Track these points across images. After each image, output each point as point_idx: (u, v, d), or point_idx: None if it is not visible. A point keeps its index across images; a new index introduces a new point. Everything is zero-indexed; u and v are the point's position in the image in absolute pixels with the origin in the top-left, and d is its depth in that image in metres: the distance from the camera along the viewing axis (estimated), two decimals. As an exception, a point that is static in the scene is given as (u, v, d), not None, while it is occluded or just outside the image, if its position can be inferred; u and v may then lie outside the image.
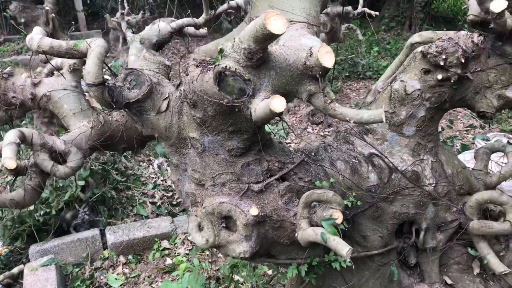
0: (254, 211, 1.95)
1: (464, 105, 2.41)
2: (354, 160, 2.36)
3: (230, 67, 1.39)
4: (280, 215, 2.05)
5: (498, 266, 2.35)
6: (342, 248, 1.79)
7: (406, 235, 2.58)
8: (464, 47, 2.25)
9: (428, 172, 2.41)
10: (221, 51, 1.40)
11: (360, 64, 10.02)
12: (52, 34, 11.20)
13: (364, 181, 2.35)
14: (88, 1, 13.15)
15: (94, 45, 1.86)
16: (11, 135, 1.74)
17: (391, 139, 2.39)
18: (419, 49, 2.26)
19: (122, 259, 3.89)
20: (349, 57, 10.10)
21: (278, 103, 1.28)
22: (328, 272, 2.44)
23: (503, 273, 2.34)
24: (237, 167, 2.00)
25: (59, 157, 1.92)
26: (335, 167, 2.31)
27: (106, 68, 2.04)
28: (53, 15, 10.76)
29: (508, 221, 2.34)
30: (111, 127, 2.33)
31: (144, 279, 3.63)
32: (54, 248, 3.83)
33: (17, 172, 2.04)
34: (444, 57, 2.17)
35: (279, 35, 1.26)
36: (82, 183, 4.06)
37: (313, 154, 2.30)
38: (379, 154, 2.38)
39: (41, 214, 3.86)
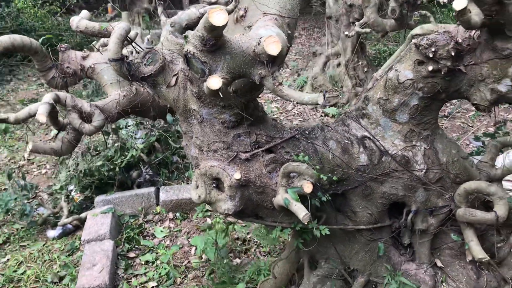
0: (237, 175, 2.28)
1: (461, 96, 2.50)
2: (346, 141, 2.57)
3: (190, 50, 1.71)
4: (263, 181, 2.35)
5: (478, 252, 2.45)
6: (301, 212, 2.06)
7: (396, 216, 2.75)
8: (460, 41, 2.35)
9: (420, 158, 2.55)
10: (185, 37, 1.73)
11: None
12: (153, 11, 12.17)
13: (354, 160, 2.56)
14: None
15: (117, 27, 2.28)
16: (48, 97, 2.23)
17: (384, 124, 2.56)
18: (414, 41, 2.39)
19: (170, 215, 4.43)
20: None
21: (213, 82, 1.58)
22: (322, 241, 2.69)
23: (483, 260, 2.43)
24: (229, 137, 2.33)
25: (86, 117, 2.39)
26: (327, 146, 2.54)
27: (136, 46, 2.47)
28: (156, -7, 11.67)
29: (494, 211, 2.42)
30: (142, 97, 2.77)
31: (184, 233, 4.13)
32: (115, 200, 4.47)
33: (60, 127, 2.57)
34: (433, 49, 2.29)
35: (221, 27, 1.57)
36: (141, 146, 4.64)
37: (307, 132, 2.55)
38: (371, 137, 2.57)
39: (106, 169, 4.50)
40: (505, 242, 2.73)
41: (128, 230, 4.15)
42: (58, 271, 3.73)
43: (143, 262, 3.76)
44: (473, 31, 2.35)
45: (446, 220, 2.67)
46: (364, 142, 2.57)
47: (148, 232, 4.21)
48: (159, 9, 2.84)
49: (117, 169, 4.55)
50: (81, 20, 2.39)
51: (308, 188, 2.18)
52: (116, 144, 4.60)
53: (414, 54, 2.39)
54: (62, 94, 2.33)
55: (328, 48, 7.94)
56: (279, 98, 8.00)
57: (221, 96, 1.70)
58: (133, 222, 4.37)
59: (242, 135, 2.34)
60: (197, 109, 2.31)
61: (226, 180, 2.30)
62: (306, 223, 2.06)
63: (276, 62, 1.76)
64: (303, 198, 2.23)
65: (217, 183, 2.39)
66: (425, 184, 2.56)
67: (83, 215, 4.43)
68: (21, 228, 4.41)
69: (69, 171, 4.59)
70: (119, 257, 3.83)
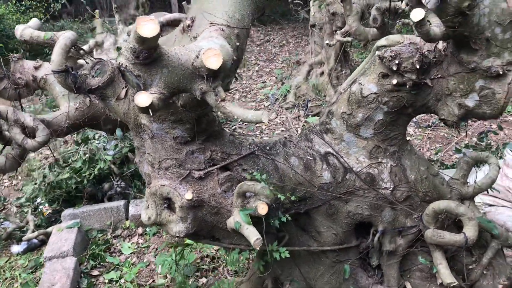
0: (188, 195, 2.13)
1: (428, 111, 2.37)
2: (309, 157, 2.43)
3: (122, 63, 1.57)
4: (218, 201, 2.21)
5: (447, 277, 2.31)
6: (252, 237, 1.92)
7: (365, 236, 2.61)
8: (426, 53, 2.23)
9: (386, 176, 2.42)
10: (118, 49, 1.60)
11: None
12: (140, 18, 11.99)
13: (317, 178, 2.42)
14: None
15: (62, 37, 2.13)
16: (-15, 111, 2.08)
17: (349, 140, 2.43)
18: (377, 52, 2.27)
19: (139, 230, 4.26)
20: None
21: (142, 99, 1.45)
22: (286, 262, 2.54)
23: (452, 285, 2.30)
24: (181, 154, 2.19)
25: (29, 132, 2.24)
26: (288, 162, 2.40)
27: (87, 57, 2.33)
28: (144, 0, 11.54)
29: (464, 233, 2.29)
30: (96, 109, 2.62)
31: (152, 250, 3.97)
32: (83, 214, 4.30)
33: (6, 141, 2.41)
34: (397, 62, 2.17)
35: (151, 38, 1.43)
36: (109, 157, 4.48)
37: (267, 148, 2.42)
38: (334, 154, 2.43)
39: (74, 182, 4.34)
40: (477, 264, 2.60)
41: (94, 246, 3.97)
42: (17, 290, 3.56)
43: (106, 281, 3.59)
44: (440, 43, 2.24)
45: (415, 241, 2.54)
46: (327, 159, 2.44)
47: (115, 248, 4.05)
48: (116, 16, 2.70)
49: (85, 181, 4.39)
50: (25, 29, 2.25)
51: (263, 209, 2.04)
52: (85, 156, 4.44)
53: (378, 67, 2.27)
54: (3, 107, 2.18)
55: (311, 56, 7.83)
56: (261, 106, 7.89)
57: (151, 114, 1.55)
58: (100, 238, 4.20)
59: (195, 151, 2.20)
60: (148, 123, 2.17)
61: (177, 201, 2.16)
62: (257, 248, 1.92)
63: (218, 76, 1.62)
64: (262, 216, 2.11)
65: (169, 203, 2.24)
66: (391, 203, 2.43)
67: (49, 229, 4.26)
68: (-15, 243, 4.24)
69: (35, 183, 4.42)
70: (82, 275, 3.66)
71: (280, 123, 7.06)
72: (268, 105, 7.82)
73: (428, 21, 1.81)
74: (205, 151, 2.21)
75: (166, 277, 3.50)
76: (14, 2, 10.69)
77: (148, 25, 1.41)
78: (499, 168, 2.58)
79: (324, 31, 7.39)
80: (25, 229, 4.35)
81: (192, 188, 2.17)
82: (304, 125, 6.91)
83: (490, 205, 3.91)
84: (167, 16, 2.73)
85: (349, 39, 5.57)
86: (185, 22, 1.94)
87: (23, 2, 11.04)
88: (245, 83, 9.20)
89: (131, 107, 2.21)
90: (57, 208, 4.53)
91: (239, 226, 1.97)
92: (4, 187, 5.44)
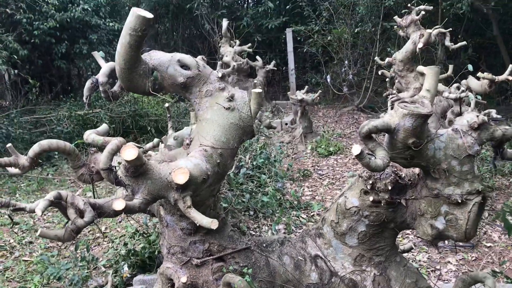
0: (184, 279, 2.58)
1: (409, 227, 2.57)
2: (300, 258, 2.74)
3: (119, 174, 2.15)
4: (209, 287, 2.61)
5: None
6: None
7: (351, 338, 2.75)
8: (403, 175, 2.49)
9: (369, 284, 2.62)
10: (119, 163, 2.18)
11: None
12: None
13: (305, 277, 2.70)
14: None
15: (111, 143, 2.82)
16: (50, 194, 2.80)
17: (336, 246, 2.69)
18: (358, 172, 2.57)
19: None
20: None
21: (117, 204, 1.97)
22: None
23: None
24: (186, 243, 2.66)
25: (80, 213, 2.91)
26: (281, 260, 2.74)
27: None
28: (260, 87, 12.72)
29: None
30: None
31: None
32: (151, 280, 4.90)
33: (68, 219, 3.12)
34: (371, 182, 2.45)
35: (130, 160, 1.98)
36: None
37: (264, 245, 2.78)
38: (322, 257, 2.71)
39: (148, 252, 5.02)
40: None
41: (150, 312, 4.51)
42: None
43: None
44: (417, 169, 2.47)
45: None
46: (316, 261, 2.72)
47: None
48: (169, 123, 3.37)
49: (157, 252, 5.04)
50: (90, 134, 3.00)
51: (240, 301, 2.40)
52: (157, 228, 5.12)
53: (361, 184, 2.56)
54: (64, 192, 2.89)
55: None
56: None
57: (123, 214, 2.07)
58: (160, 304, 4.74)
59: (197, 242, 2.66)
60: (164, 215, 2.70)
61: (176, 282, 2.61)
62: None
63: (188, 188, 2.11)
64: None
65: (173, 282, 2.70)
66: (373, 310, 2.59)
67: (121, 291, 4.92)
68: (72, 296, 5.03)
69: (116, 249, 5.18)
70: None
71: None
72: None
73: (370, 154, 2.12)
74: (204, 242, 2.66)
75: None
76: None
77: (129, 151, 1.97)
78: (494, 290, 2.59)
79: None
80: (104, 287, 5.07)
81: (189, 273, 2.61)
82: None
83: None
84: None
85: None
86: (185, 142, 2.50)
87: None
88: (338, 170, 9.50)
89: (157, 202, 2.77)
90: (134, 273, 5.22)
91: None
92: (102, 248, 6.35)
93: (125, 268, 5.29)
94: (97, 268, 5.64)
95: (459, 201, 2.24)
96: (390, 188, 2.41)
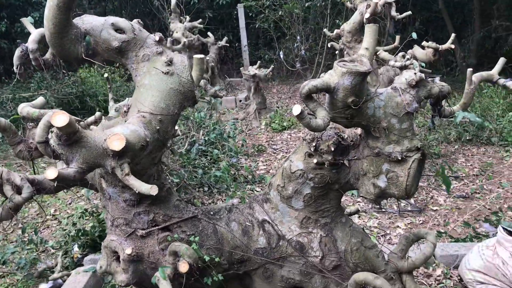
0: (128, 250, 2.51)
1: (353, 188, 2.60)
2: (248, 223, 2.73)
3: (51, 143, 2.05)
4: (156, 258, 2.56)
5: None
6: (164, 290, 2.24)
7: (301, 301, 2.79)
8: (345, 136, 2.50)
9: (316, 245, 2.64)
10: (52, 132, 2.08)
11: (488, 128, 9.30)
12: (210, 80, 12.91)
13: (253, 242, 2.70)
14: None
15: (45, 115, 2.69)
16: (-17, 171, 2.65)
17: (282, 209, 2.70)
18: (302, 134, 2.57)
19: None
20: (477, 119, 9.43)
21: (49, 173, 1.88)
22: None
23: None
24: (130, 215, 2.59)
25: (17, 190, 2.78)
26: (229, 227, 2.72)
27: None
28: (213, 64, 12.54)
29: (381, 305, 2.43)
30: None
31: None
32: (103, 260, 4.81)
33: (6, 197, 2.98)
34: (314, 144, 2.45)
35: (62, 127, 1.88)
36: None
37: (211, 213, 2.75)
38: (270, 221, 2.71)
39: (97, 231, 4.91)
40: None
41: (103, 291, 4.43)
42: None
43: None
44: (359, 129, 2.49)
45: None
46: (264, 226, 2.72)
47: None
48: (110, 95, 3.25)
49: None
50: (24, 107, 2.85)
51: (183, 267, 2.37)
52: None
53: (305, 147, 2.56)
54: (-2, 169, 2.75)
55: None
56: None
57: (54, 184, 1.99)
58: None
59: (141, 213, 2.59)
60: (105, 187, 2.61)
61: (121, 254, 2.54)
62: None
63: (125, 155, 2.04)
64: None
65: (118, 255, 2.63)
66: (320, 271, 2.63)
67: (72, 272, 4.80)
68: (21, 279, 4.86)
69: (64, 230, 5.04)
70: (86, 315, 4.10)
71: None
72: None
73: (311, 114, 2.12)
74: (149, 213, 2.60)
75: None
76: (96, 66, 12.16)
77: (60, 117, 1.87)
78: (435, 246, 2.68)
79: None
80: (54, 269, 4.93)
81: (134, 244, 2.55)
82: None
83: (481, 283, 3.85)
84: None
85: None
86: (122, 109, 2.41)
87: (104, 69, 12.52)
88: (292, 144, 9.58)
89: (96, 174, 2.68)
90: (85, 253, 5.10)
91: (156, 280, 2.31)
92: (52, 230, 6.16)
93: (75, 248, 5.17)
94: (46, 251, 5.48)
95: (399, 158, 2.28)
96: (333, 149, 2.42)
